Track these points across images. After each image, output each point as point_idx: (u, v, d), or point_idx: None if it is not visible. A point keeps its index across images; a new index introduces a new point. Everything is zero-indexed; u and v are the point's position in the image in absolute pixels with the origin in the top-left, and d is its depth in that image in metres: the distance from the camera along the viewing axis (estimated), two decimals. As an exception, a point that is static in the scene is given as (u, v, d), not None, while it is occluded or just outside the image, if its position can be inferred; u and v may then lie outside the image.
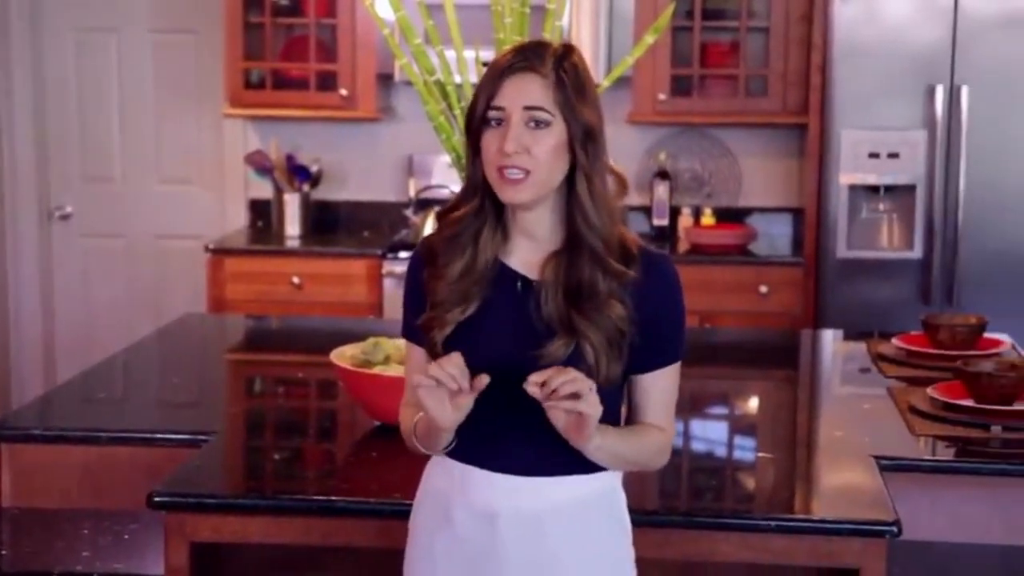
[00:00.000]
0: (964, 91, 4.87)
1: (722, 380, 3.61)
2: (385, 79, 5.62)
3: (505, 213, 2.07)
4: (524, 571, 2.05)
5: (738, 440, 3.13)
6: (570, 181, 2.02)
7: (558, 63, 2.01)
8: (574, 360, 1.98)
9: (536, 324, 2.02)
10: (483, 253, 2.05)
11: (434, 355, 2.06)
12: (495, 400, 1.99)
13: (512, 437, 2.04)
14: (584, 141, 2.01)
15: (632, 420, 2.12)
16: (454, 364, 1.94)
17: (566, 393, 1.90)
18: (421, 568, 2.13)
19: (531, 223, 2.06)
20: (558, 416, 1.94)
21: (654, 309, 2.05)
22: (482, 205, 2.05)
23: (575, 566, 2.06)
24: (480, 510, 2.06)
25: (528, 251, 2.07)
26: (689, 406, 3.21)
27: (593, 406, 1.92)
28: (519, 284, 2.06)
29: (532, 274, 2.06)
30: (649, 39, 2.68)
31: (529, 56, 2.01)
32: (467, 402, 1.96)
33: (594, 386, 1.93)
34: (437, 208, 2.17)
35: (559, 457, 2.03)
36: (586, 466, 2.05)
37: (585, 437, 1.96)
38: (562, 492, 2.05)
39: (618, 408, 2.11)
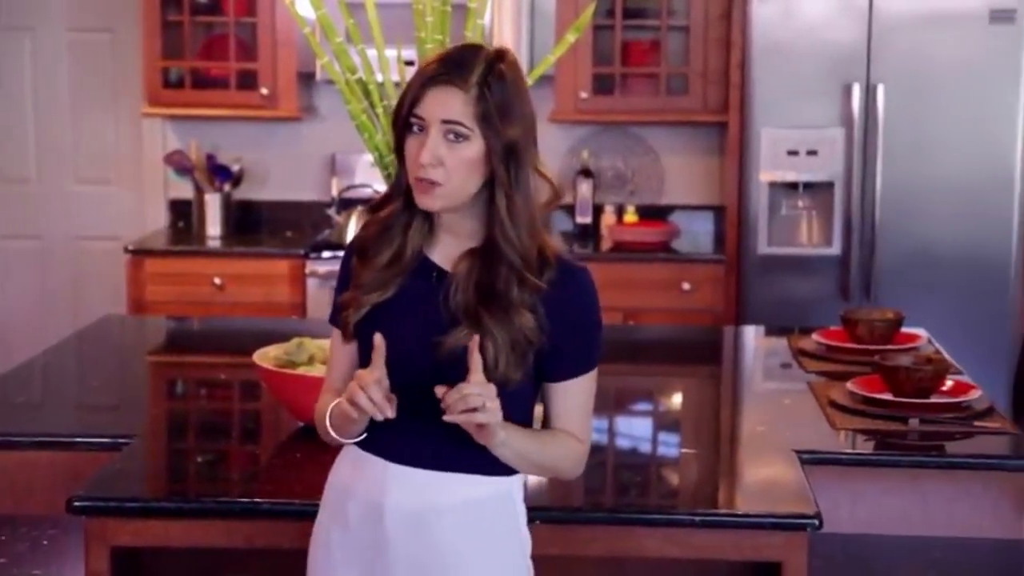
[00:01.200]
0: (880, 89, 4.95)
1: (646, 377, 3.64)
2: (307, 78, 5.59)
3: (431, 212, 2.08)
4: (411, 568, 2.06)
5: (662, 436, 3.15)
6: (492, 187, 2.03)
7: (485, 75, 1.99)
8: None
9: (443, 314, 2.04)
10: (411, 243, 2.08)
11: (346, 336, 2.13)
12: (398, 388, 2.00)
13: (413, 427, 2.04)
14: (505, 157, 2.00)
15: (546, 427, 2.13)
16: (376, 387, 1.96)
17: (459, 411, 1.92)
18: (320, 565, 2.14)
19: (453, 222, 2.08)
20: (460, 419, 1.96)
21: (568, 320, 2.05)
22: (407, 204, 2.08)
23: (462, 566, 2.06)
24: (369, 504, 2.07)
25: (450, 246, 2.09)
26: (614, 403, 3.22)
27: (491, 414, 1.94)
28: (435, 275, 2.08)
29: (450, 267, 2.08)
30: (570, 38, 2.69)
31: (453, 68, 1.99)
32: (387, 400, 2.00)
33: (493, 396, 1.94)
34: (361, 207, 2.19)
35: (459, 452, 2.04)
36: (486, 467, 2.06)
37: (487, 440, 1.99)
38: (453, 490, 2.06)
39: (527, 413, 2.11)
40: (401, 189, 2.08)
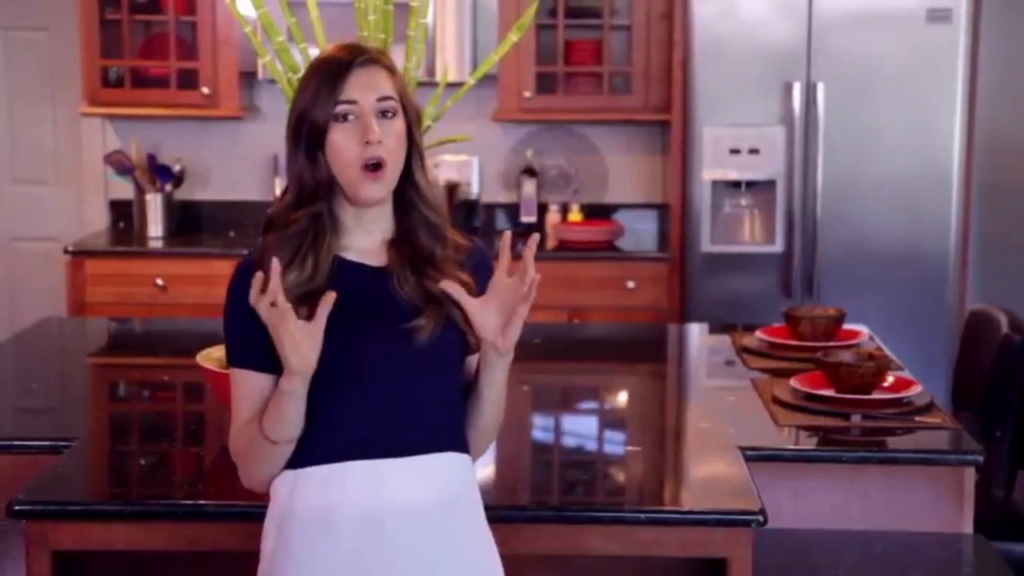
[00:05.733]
0: (820, 88, 4.99)
1: (591, 375, 3.64)
2: (248, 77, 5.55)
3: (342, 213, 2.07)
4: (412, 564, 2.03)
5: (608, 434, 3.16)
6: (404, 169, 2.08)
7: (383, 56, 2.08)
8: (448, 327, 2.05)
9: (401, 304, 2.05)
10: (324, 261, 2.04)
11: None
12: (378, 389, 2.02)
13: (395, 419, 2.04)
14: (417, 125, 2.10)
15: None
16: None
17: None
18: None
19: (374, 218, 2.09)
20: (489, 320, 2.02)
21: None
22: (318, 210, 2.04)
23: (463, 546, 2.07)
24: (366, 511, 2.02)
25: (363, 241, 2.10)
26: (559, 401, 3.23)
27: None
28: (370, 273, 2.08)
29: (373, 261, 2.08)
30: (513, 37, 2.69)
31: (365, 50, 2.06)
32: (319, 329, 1.95)
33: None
34: (268, 211, 2.14)
35: (439, 431, 2.06)
36: (459, 444, 2.10)
37: (511, 342, 2.04)
38: (441, 473, 2.05)
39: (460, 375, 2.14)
40: (320, 190, 2.03)
